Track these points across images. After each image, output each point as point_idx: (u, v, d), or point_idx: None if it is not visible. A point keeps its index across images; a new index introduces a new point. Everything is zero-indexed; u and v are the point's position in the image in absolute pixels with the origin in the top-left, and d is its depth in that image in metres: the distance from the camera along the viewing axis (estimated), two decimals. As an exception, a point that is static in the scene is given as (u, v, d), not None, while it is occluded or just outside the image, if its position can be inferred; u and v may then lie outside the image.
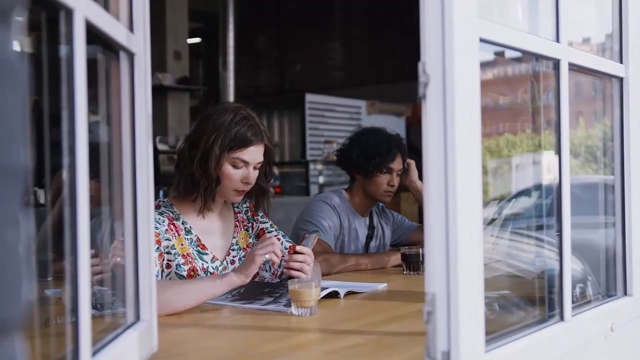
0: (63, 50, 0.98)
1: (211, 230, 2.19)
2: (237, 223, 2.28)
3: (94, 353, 1.04)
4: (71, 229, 0.96)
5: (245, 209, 2.32)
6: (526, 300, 1.62)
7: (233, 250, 2.23)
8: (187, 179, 2.10)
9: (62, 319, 1.38)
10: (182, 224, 2.12)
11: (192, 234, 2.13)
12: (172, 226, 2.08)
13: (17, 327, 0.53)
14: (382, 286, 2.27)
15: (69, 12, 0.95)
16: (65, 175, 0.98)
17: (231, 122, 2.07)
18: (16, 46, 0.54)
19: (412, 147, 4.98)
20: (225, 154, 2.07)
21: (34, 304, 0.97)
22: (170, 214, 2.12)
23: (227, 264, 2.19)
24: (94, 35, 1.07)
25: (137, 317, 1.31)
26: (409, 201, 5.94)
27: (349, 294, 2.10)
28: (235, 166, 2.09)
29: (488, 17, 1.24)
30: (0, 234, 0.49)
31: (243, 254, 2.24)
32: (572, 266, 1.48)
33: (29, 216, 0.54)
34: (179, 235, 2.09)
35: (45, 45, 1.01)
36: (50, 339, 1.12)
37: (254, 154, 2.11)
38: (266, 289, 2.07)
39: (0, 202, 0.50)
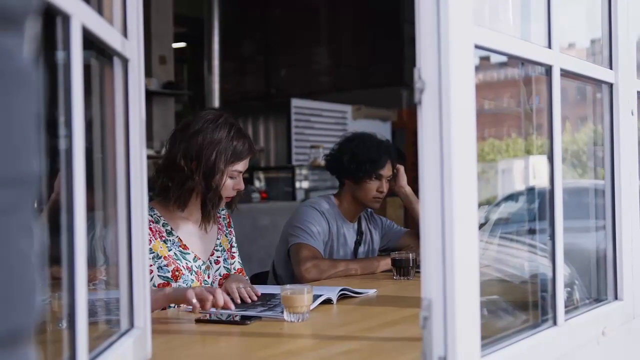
0: (59, 55, 0.97)
1: (194, 232, 2.25)
2: (220, 226, 2.36)
3: (90, 361, 1.03)
4: (68, 235, 0.95)
5: (223, 216, 2.39)
6: (518, 305, 1.62)
7: (217, 250, 2.31)
8: (187, 192, 2.15)
9: (54, 325, 1.36)
10: (163, 226, 2.19)
11: (173, 235, 2.19)
12: (149, 229, 2.10)
13: (31, 335, 0.52)
14: (372, 292, 2.27)
15: (66, 18, 0.95)
16: (61, 181, 0.97)
17: (228, 136, 2.17)
18: (28, 54, 0.54)
19: (398, 152, 4.96)
20: (228, 168, 2.17)
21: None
22: (150, 217, 2.15)
23: (210, 263, 2.27)
24: (88, 41, 1.06)
25: (132, 324, 1.30)
26: (395, 206, 5.95)
27: (342, 297, 2.10)
28: (232, 177, 2.20)
29: (480, 22, 1.25)
30: (15, 243, 0.49)
31: (226, 255, 2.34)
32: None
33: (40, 224, 0.54)
34: (159, 237, 2.15)
35: (40, 51, 1.00)
36: (44, 346, 1.11)
37: (247, 163, 2.24)
38: (259, 300, 2.06)
39: (15, 211, 0.49)
